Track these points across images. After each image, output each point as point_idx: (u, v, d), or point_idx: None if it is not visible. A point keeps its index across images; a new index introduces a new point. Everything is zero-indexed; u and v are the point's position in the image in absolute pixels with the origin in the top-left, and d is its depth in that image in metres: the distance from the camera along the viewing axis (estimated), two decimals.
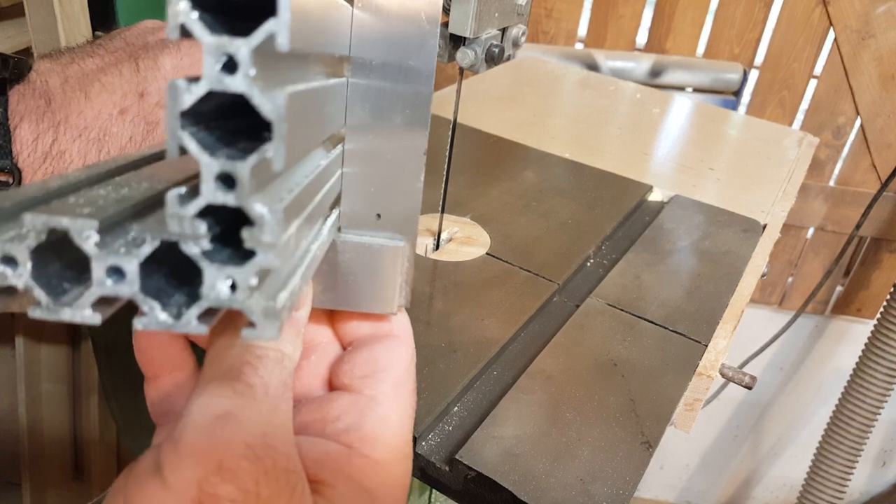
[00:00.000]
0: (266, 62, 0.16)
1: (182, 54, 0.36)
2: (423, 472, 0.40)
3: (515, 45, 0.52)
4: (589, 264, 0.59)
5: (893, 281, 1.29)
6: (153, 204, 0.19)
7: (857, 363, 1.37)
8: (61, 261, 0.18)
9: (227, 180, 0.16)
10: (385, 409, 0.24)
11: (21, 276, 0.17)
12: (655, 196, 0.73)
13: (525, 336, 0.50)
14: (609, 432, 0.41)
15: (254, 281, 0.17)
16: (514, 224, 0.62)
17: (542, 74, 1.07)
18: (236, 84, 0.15)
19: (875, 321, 1.33)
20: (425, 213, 0.62)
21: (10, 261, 0.17)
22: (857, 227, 1.38)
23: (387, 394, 0.24)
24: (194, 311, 0.17)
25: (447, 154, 0.54)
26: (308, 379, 0.26)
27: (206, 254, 0.16)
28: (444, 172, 0.55)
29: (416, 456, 0.40)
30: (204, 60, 0.15)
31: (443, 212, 0.57)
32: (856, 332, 1.60)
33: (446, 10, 0.47)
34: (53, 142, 0.31)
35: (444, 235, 0.58)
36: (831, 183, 1.48)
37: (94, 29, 0.70)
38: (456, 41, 0.49)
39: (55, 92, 0.32)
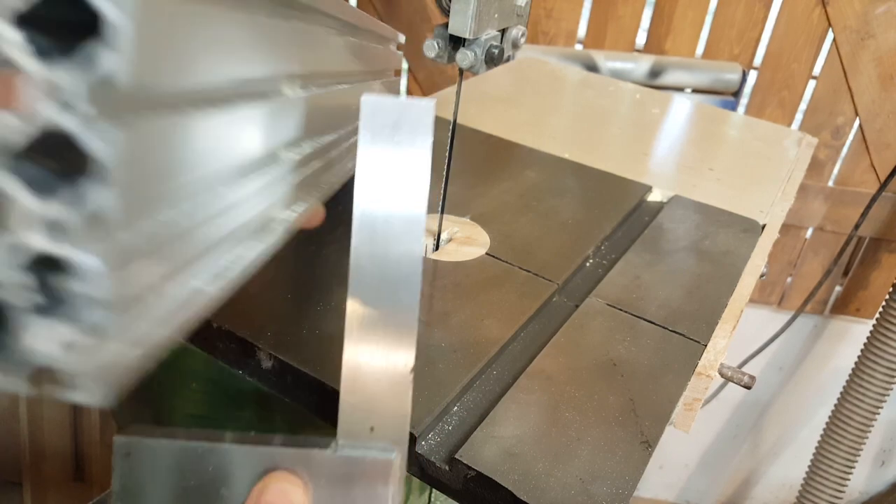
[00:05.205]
0: None
1: None
2: (423, 471, 0.40)
3: (515, 46, 0.53)
4: (588, 264, 0.60)
5: (892, 281, 1.29)
6: None
7: (856, 363, 1.37)
8: None
9: (56, 227, 0.14)
10: None
11: None
12: (655, 196, 0.73)
13: (525, 336, 0.50)
14: (608, 432, 0.41)
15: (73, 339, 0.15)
16: (513, 224, 0.62)
17: (541, 75, 1.07)
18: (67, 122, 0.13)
19: (874, 321, 1.33)
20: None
21: None
22: (856, 227, 1.39)
23: None
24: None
25: (447, 155, 0.54)
26: None
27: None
28: (444, 173, 0.55)
29: (416, 455, 0.40)
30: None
31: (443, 212, 0.57)
32: (855, 332, 1.60)
33: (446, 11, 0.47)
34: None
35: (443, 235, 0.58)
36: (830, 183, 1.48)
37: None
38: (455, 42, 0.49)
39: None
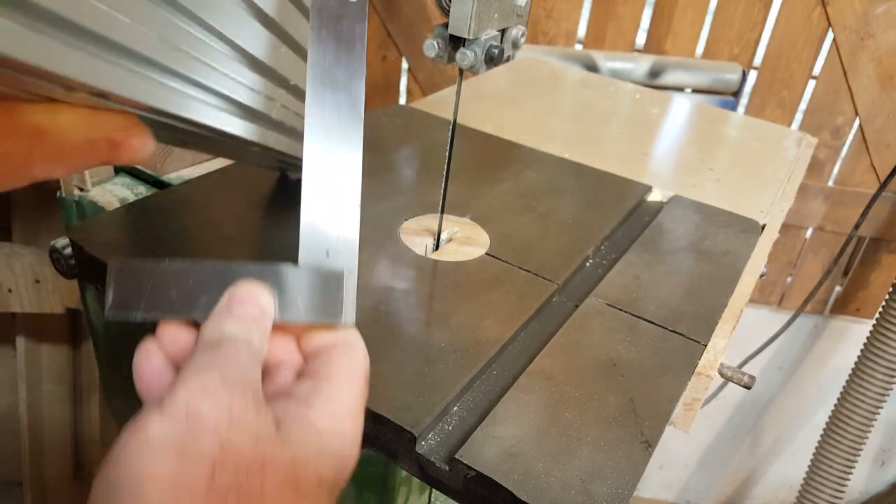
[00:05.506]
0: None
1: None
2: (423, 471, 0.41)
3: (515, 45, 0.53)
4: (588, 264, 0.60)
5: (892, 281, 1.29)
6: None
7: (855, 363, 1.37)
8: None
9: None
10: (335, 385, 0.30)
11: None
12: (655, 196, 0.73)
13: (525, 336, 0.50)
14: (608, 432, 0.41)
15: None
16: (513, 224, 0.62)
17: (541, 75, 1.07)
18: None
19: (874, 321, 1.33)
20: (425, 214, 0.62)
21: None
22: (856, 227, 1.39)
23: (338, 376, 0.30)
24: None
25: (447, 155, 0.54)
26: (279, 387, 0.31)
27: None
28: (444, 173, 0.55)
29: (416, 455, 0.40)
30: None
31: (442, 212, 0.57)
32: (855, 332, 1.61)
33: (446, 11, 0.47)
34: None
35: (443, 235, 0.58)
36: (830, 183, 1.48)
37: None
38: (455, 42, 0.49)
39: None
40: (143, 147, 0.30)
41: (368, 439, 0.42)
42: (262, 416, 0.26)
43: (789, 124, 1.42)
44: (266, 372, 0.30)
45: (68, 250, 0.55)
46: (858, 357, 1.36)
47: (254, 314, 0.29)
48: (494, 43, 0.50)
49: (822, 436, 1.44)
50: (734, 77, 1.30)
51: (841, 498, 1.43)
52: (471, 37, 0.47)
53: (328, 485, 0.28)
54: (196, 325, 0.30)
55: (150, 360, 0.29)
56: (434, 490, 0.53)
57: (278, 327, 0.31)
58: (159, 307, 0.30)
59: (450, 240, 0.59)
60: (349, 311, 0.32)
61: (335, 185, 0.33)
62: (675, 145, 0.88)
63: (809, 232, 1.52)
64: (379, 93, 1.49)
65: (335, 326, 0.32)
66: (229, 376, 0.26)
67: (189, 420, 0.25)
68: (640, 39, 1.41)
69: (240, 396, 0.26)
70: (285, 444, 0.26)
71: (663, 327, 0.51)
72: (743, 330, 0.66)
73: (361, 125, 0.33)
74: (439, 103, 0.90)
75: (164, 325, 0.30)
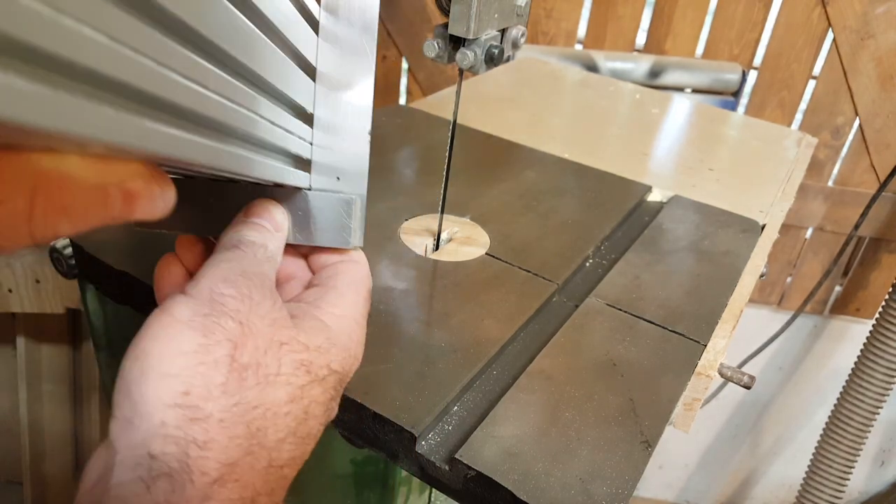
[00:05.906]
0: None
1: None
2: (423, 471, 0.41)
3: (515, 46, 0.53)
4: (588, 264, 0.60)
5: (892, 281, 1.29)
6: None
7: (855, 363, 1.37)
8: None
9: None
10: (340, 293, 0.33)
11: None
12: (655, 196, 0.73)
13: (524, 336, 0.50)
14: (608, 432, 0.41)
15: None
16: (513, 224, 0.62)
17: (541, 75, 1.07)
18: None
19: (874, 321, 1.33)
20: (425, 214, 0.62)
21: None
22: (856, 227, 1.39)
23: (343, 286, 0.33)
24: None
25: (447, 155, 0.54)
26: (290, 296, 0.34)
27: None
28: (444, 173, 0.55)
29: (416, 455, 0.40)
30: None
31: (442, 212, 0.57)
32: (854, 332, 1.61)
33: (446, 11, 0.47)
34: None
35: (443, 236, 0.58)
36: (830, 183, 1.48)
37: None
38: (455, 42, 0.49)
39: None
40: (163, 197, 0.26)
41: (368, 439, 0.42)
42: (278, 306, 0.29)
43: (789, 124, 1.42)
44: (278, 283, 0.33)
45: (68, 250, 0.55)
46: (858, 357, 1.36)
47: (269, 227, 0.32)
48: (494, 43, 0.50)
49: (821, 436, 1.44)
50: (734, 77, 1.30)
51: (841, 498, 1.43)
52: (471, 37, 0.47)
53: (337, 375, 0.31)
54: (212, 243, 0.32)
55: (169, 270, 0.33)
56: (434, 490, 0.53)
57: (290, 247, 0.34)
58: (180, 224, 0.32)
59: (450, 240, 0.59)
60: (357, 234, 0.34)
61: (345, 112, 0.34)
62: (675, 145, 0.88)
63: (809, 232, 1.52)
64: (379, 93, 1.49)
65: (343, 251, 0.35)
66: (248, 269, 0.29)
67: (212, 303, 0.27)
68: (640, 39, 1.41)
69: (258, 286, 0.29)
70: (299, 332, 0.30)
71: (663, 327, 0.51)
72: (743, 330, 0.66)
73: (373, 58, 0.34)
74: (439, 103, 0.90)
75: (182, 238, 0.33)
